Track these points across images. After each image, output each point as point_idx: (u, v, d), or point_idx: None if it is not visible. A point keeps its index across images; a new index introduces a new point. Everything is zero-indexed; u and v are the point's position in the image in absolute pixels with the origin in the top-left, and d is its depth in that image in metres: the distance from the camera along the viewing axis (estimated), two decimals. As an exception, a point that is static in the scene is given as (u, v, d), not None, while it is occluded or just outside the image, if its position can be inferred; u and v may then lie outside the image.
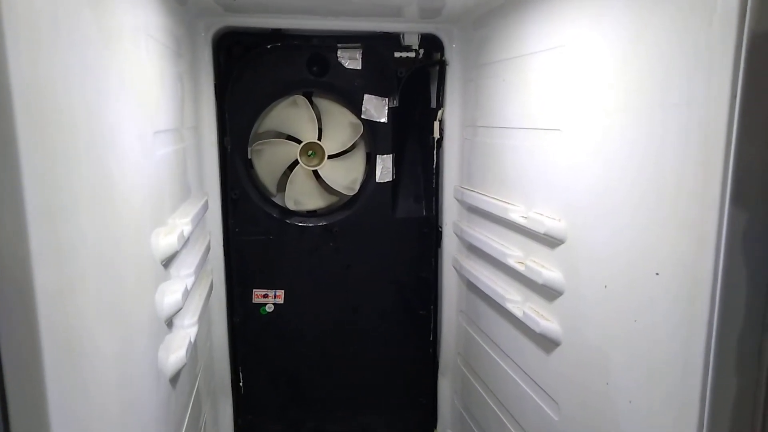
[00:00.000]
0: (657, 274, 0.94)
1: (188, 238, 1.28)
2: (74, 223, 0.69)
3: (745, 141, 0.78)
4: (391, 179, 1.94)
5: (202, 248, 1.54)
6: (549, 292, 1.30)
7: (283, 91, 1.85)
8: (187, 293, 1.21)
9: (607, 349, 1.10)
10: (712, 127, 0.81)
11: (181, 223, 1.24)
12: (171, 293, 1.13)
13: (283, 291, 1.95)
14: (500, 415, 1.64)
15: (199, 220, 1.50)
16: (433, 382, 2.11)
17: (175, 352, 1.15)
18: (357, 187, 1.93)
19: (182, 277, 1.25)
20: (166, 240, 1.11)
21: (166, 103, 1.28)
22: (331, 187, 1.91)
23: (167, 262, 1.14)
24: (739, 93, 0.77)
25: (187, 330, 1.28)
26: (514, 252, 1.48)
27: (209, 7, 1.60)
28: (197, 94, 1.70)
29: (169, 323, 1.16)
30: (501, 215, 1.53)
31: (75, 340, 0.67)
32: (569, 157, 1.21)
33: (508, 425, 1.58)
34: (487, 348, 1.73)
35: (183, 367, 1.18)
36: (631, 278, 1.02)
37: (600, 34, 1.09)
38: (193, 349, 1.40)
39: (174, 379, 1.18)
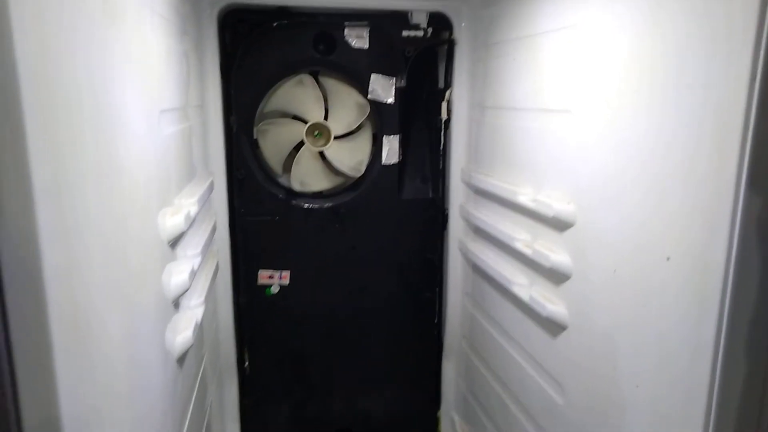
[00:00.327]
0: (668, 258, 0.93)
1: (195, 219, 1.28)
2: (81, 202, 0.68)
3: (764, 125, 0.76)
4: (397, 161, 1.92)
5: (209, 229, 1.53)
6: (556, 276, 1.30)
7: (289, 70, 1.82)
8: (193, 274, 1.21)
9: (614, 334, 1.09)
10: (730, 110, 0.79)
11: (188, 204, 1.24)
12: (178, 274, 1.13)
13: (288, 272, 1.95)
14: (504, 398, 1.64)
15: (205, 201, 1.50)
16: (438, 364, 2.12)
17: (182, 332, 1.16)
18: (363, 168, 1.92)
19: (189, 257, 1.25)
20: (172, 220, 1.10)
21: (172, 81, 1.27)
22: (337, 169, 1.90)
23: (174, 242, 1.13)
24: (758, 75, 0.76)
25: (193, 311, 1.28)
26: (522, 235, 1.47)
27: (214, -17, 1.58)
28: (202, 73, 1.68)
29: (176, 304, 1.16)
30: (509, 198, 1.52)
31: (82, 319, 0.67)
32: (579, 139, 1.19)
33: (512, 408, 1.59)
34: (492, 331, 1.73)
35: (190, 347, 1.19)
36: (641, 263, 1.01)
37: (613, 14, 1.07)
38: (200, 330, 1.40)
39: (181, 360, 1.18)
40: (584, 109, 1.17)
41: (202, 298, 1.35)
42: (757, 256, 0.81)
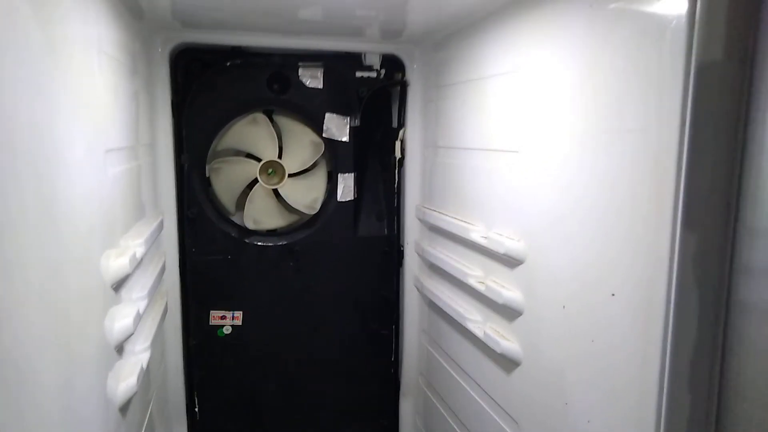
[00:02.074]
0: (613, 295, 0.96)
1: (141, 260, 1.24)
2: (14, 245, 0.65)
3: (695, 167, 0.81)
4: (352, 198, 1.93)
5: (157, 269, 1.49)
6: (509, 312, 1.31)
7: (242, 109, 1.82)
8: (139, 317, 1.16)
9: (565, 369, 1.11)
10: (664, 153, 0.84)
11: (134, 245, 1.20)
12: (121, 318, 1.08)
13: (241, 312, 1.90)
14: (462, 436, 1.63)
15: (154, 241, 1.46)
16: (395, 402, 2.09)
17: (125, 379, 1.10)
18: (318, 206, 1.91)
19: (134, 300, 1.21)
20: (117, 262, 1.06)
21: (120, 120, 1.24)
22: (292, 206, 1.88)
23: (118, 285, 1.09)
24: (688, 120, 0.80)
25: (138, 356, 1.23)
26: (475, 272, 1.49)
27: (166, 22, 1.57)
28: (153, 111, 1.66)
29: (120, 349, 1.11)
30: (461, 235, 1.54)
31: (11, 370, 0.63)
32: (527, 178, 1.22)
33: (470, 446, 1.57)
34: (448, 368, 1.72)
35: (134, 395, 1.13)
36: (588, 299, 1.03)
37: (556, 59, 1.12)
38: (146, 374, 1.34)
39: (124, 408, 1.12)
40: (531, 150, 1.21)
41: (149, 342, 1.30)
42: (695, 290, 0.84)
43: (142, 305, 1.23)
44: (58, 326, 0.78)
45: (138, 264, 1.20)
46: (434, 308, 1.81)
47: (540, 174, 1.18)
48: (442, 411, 1.79)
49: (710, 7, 0.77)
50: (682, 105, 0.80)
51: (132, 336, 1.15)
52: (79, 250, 0.89)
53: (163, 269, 1.60)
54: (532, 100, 1.20)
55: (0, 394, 0.60)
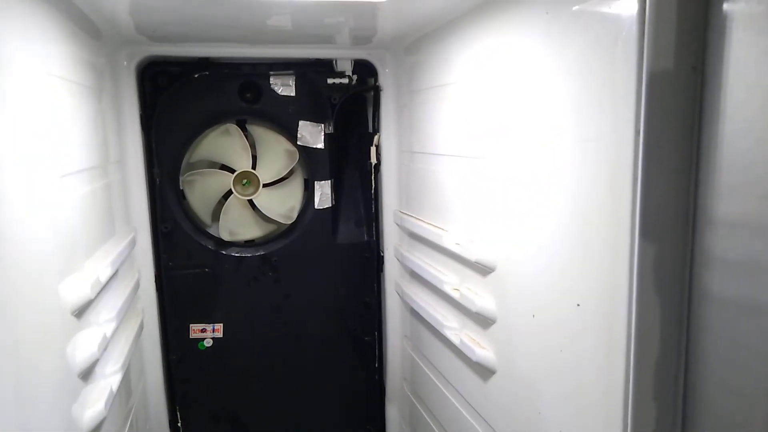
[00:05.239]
0: (578, 305, 0.95)
1: (108, 282, 1.22)
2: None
3: (651, 176, 0.80)
4: (330, 205, 1.91)
5: (129, 288, 1.47)
6: (483, 320, 1.30)
7: (214, 120, 1.80)
8: (106, 341, 1.15)
9: (537, 379, 1.10)
10: (620, 162, 0.83)
11: (99, 268, 1.18)
12: (85, 344, 1.07)
13: (222, 324, 1.89)
14: (444, 442, 1.62)
15: (124, 259, 1.44)
16: (381, 409, 2.08)
17: (92, 406, 1.09)
18: (295, 215, 1.90)
19: (101, 323, 1.19)
20: (77, 289, 1.05)
21: (82, 141, 1.22)
22: (268, 216, 1.87)
23: (80, 312, 1.07)
24: (642, 129, 0.79)
25: (108, 379, 1.21)
26: (450, 278, 1.48)
27: (131, 37, 1.55)
28: (121, 126, 1.64)
29: (86, 376, 1.10)
30: (436, 242, 1.53)
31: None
32: (494, 186, 1.21)
33: (452, 453, 1.56)
34: (430, 374, 1.72)
35: (103, 420, 1.12)
36: (556, 309, 1.02)
37: (517, 66, 1.10)
38: (122, 395, 1.33)
39: (93, 434, 1.11)
40: (496, 158, 1.19)
41: (120, 364, 1.28)
42: (656, 299, 0.83)
43: (110, 327, 1.21)
44: (9, 361, 0.77)
45: (103, 287, 1.18)
46: (415, 314, 1.80)
47: (505, 182, 1.16)
48: (426, 417, 1.78)
49: (659, 16, 0.76)
50: (636, 113, 0.79)
51: (99, 360, 1.13)
52: (32, 282, 0.87)
53: (136, 286, 1.59)
54: (495, 107, 1.19)
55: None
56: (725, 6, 0.74)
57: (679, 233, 0.81)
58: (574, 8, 0.91)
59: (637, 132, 0.80)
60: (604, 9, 0.84)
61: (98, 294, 1.14)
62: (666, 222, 0.81)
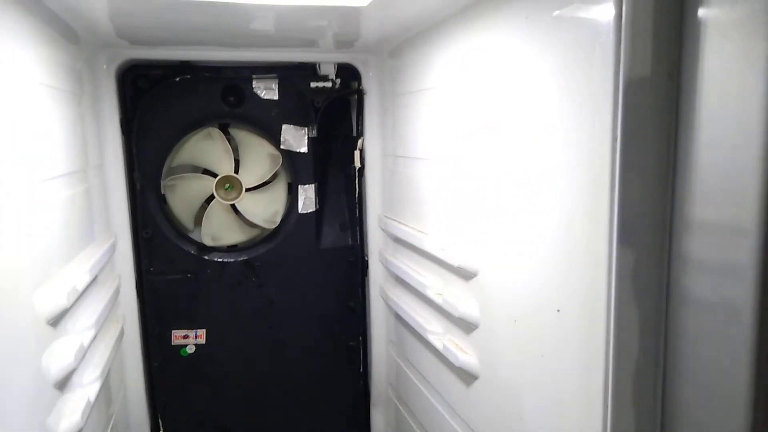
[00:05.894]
0: (558, 311, 0.95)
1: (86, 289, 1.20)
2: None
3: (628, 182, 0.80)
4: (314, 209, 1.90)
5: (108, 295, 1.45)
6: (466, 325, 1.30)
7: (196, 124, 1.78)
8: (83, 350, 1.13)
9: (518, 384, 1.10)
10: (599, 169, 0.83)
11: (77, 275, 1.16)
12: (61, 354, 1.05)
13: (204, 330, 1.87)
14: (429, 448, 1.62)
15: (104, 266, 1.42)
16: (366, 414, 2.07)
17: (68, 416, 1.07)
18: (278, 219, 1.89)
19: (78, 332, 1.17)
20: (52, 298, 1.03)
21: (59, 146, 1.20)
22: (251, 221, 1.85)
23: (56, 320, 1.05)
24: (619, 135, 0.79)
25: (86, 388, 1.19)
26: (433, 283, 1.48)
27: (111, 41, 1.53)
28: (101, 131, 1.61)
29: (62, 386, 1.08)
30: (419, 246, 1.52)
31: None
32: (475, 191, 1.21)
33: (437, 458, 1.56)
34: (414, 379, 1.71)
35: (80, 431, 1.10)
36: (537, 314, 1.02)
37: (498, 71, 1.10)
38: (101, 404, 1.31)
39: (69, 446, 1.09)
40: (478, 163, 1.19)
41: (98, 372, 1.26)
42: (634, 305, 0.83)
43: (88, 336, 1.19)
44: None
45: (81, 294, 1.16)
46: (399, 319, 1.79)
47: (486, 188, 1.16)
48: (411, 422, 1.77)
49: (635, 22, 0.76)
50: (613, 120, 0.79)
51: (77, 370, 1.12)
52: (7, 289, 0.85)
53: (116, 293, 1.57)
54: (476, 113, 1.19)
55: None
56: (700, 14, 0.74)
57: (657, 238, 0.81)
58: (554, 14, 0.91)
59: (614, 138, 0.80)
60: (582, 14, 0.85)
61: (75, 302, 1.12)
62: (644, 227, 0.81)
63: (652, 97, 0.78)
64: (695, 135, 0.76)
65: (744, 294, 0.71)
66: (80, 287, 1.14)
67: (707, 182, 0.75)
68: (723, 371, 0.76)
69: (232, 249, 1.90)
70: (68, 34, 1.33)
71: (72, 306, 1.10)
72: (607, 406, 0.85)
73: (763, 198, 0.68)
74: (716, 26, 0.73)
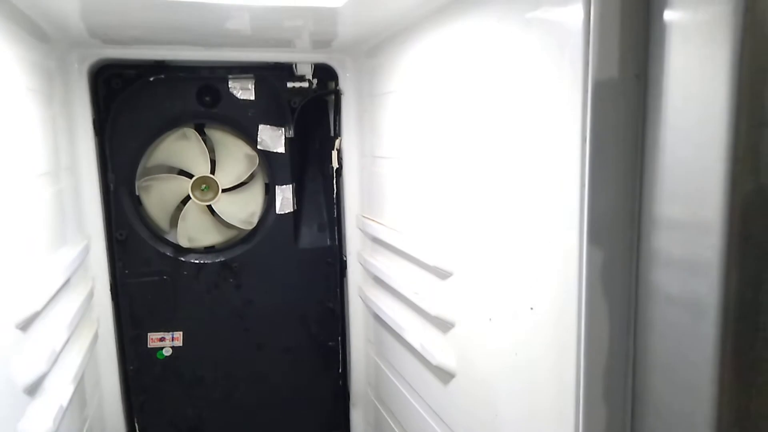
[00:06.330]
0: (531, 308, 0.96)
1: (58, 292, 1.18)
2: None
3: (597, 181, 0.81)
4: (292, 210, 1.90)
5: (81, 298, 1.43)
6: (443, 324, 1.31)
7: (171, 124, 1.76)
8: (54, 354, 1.11)
9: (494, 381, 1.11)
10: (568, 169, 0.84)
11: (47, 278, 1.14)
12: (31, 359, 1.03)
13: (181, 333, 1.85)
14: (407, 446, 1.63)
15: (76, 268, 1.40)
16: (346, 414, 2.07)
17: (40, 421, 1.05)
18: (255, 220, 1.88)
19: (50, 335, 1.15)
20: (21, 302, 1.01)
21: (29, 147, 1.18)
22: (228, 222, 1.84)
23: (26, 324, 1.04)
24: (588, 136, 0.81)
25: (58, 392, 1.17)
26: (410, 283, 1.48)
27: (84, 40, 1.50)
28: (73, 132, 1.59)
29: (32, 391, 1.06)
30: (397, 246, 1.53)
31: None
32: (450, 191, 1.22)
33: (415, 457, 1.57)
34: (393, 379, 1.72)
35: (52, 436, 1.08)
36: (511, 312, 1.03)
37: (470, 73, 1.11)
38: (75, 408, 1.29)
39: (41, 451, 1.07)
40: (452, 163, 1.20)
41: (71, 376, 1.24)
42: (604, 301, 0.85)
43: (60, 339, 1.17)
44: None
45: (52, 297, 1.14)
46: (378, 319, 1.80)
47: (459, 187, 1.17)
48: (390, 422, 1.78)
49: (603, 25, 0.78)
50: (582, 121, 0.81)
51: (48, 374, 1.10)
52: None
53: (90, 296, 1.54)
54: (450, 113, 1.20)
55: None
56: (666, 17, 0.76)
57: (626, 236, 0.83)
58: (525, 16, 0.93)
59: (583, 139, 0.81)
60: (552, 17, 0.86)
61: (46, 305, 1.10)
62: (613, 225, 0.83)
63: (620, 98, 0.80)
64: (662, 135, 0.78)
65: (709, 289, 0.73)
66: (52, 290, 1.12)
67: (674, 181, 0.77)
68: (690, 364, 0.77)
69: (209, 250, 1.89)
70: (37, 33, 1.31)
71: (43, 309, 1.08)
72: (579, 400, 0.87)
73: (727, 196, 0.70)
74: (681, 29, 0.75)
